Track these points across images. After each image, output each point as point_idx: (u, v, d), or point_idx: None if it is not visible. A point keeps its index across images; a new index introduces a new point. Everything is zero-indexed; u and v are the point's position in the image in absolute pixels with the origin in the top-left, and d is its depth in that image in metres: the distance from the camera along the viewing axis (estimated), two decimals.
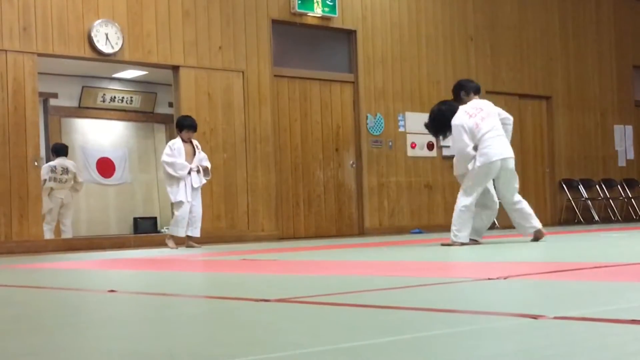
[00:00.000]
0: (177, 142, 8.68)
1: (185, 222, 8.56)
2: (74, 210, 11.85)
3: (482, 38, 13.09)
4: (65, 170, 10.99)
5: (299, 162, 11.14)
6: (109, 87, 13.61)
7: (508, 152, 6.54)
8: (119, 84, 13.69)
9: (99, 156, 13.79)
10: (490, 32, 13.21)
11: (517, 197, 6.62)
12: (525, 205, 6.61)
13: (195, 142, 8.81)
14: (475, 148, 6.47)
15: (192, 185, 8.59)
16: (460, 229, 6.42)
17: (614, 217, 14.40)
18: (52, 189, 10.77)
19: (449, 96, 7.20)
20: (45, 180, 10.43)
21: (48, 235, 10.51)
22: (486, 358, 1.55)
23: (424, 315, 2.24)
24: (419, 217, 12.08)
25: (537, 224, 6.59)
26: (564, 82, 14.15)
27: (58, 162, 11.01)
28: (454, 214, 6.48)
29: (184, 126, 8.73)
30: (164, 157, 8.61)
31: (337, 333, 1.95)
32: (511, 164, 6.55)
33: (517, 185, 6.64)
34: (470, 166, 6.50)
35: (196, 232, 8.67)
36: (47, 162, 11.25)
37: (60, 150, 11.25)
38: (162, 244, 9.90)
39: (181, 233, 8.58)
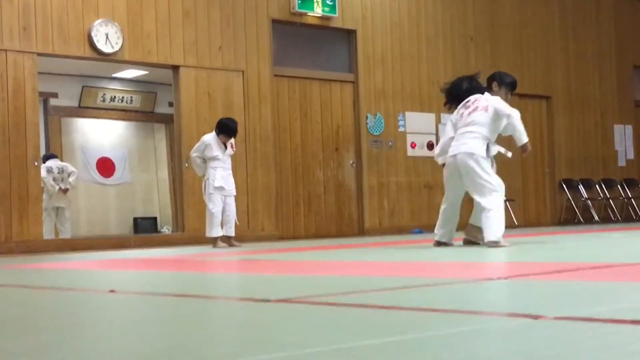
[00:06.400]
0: (212, 139, 8.53)
1: (219, 220, 8.50)
2: (72, 211, 11.88)
3: (482, 38, 13.08)
4: (61, 170, 11.14)
5: (299, 162, 11.13)
6: (109, 87, 13.61)
7: (460, 149, 6.08)
8: (119, 83, 13.69)
9: (99, 156, 13.80)
10: (490, 32, 13.21)
11: (485, 200, 5.92)
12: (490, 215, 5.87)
13: (231, 141, 8.65)
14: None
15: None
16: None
17: (614, 217, 14.39)
18: (49, 189, 10.87)
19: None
20: (44, 181, 10.48)
21: (48, 234, 10.56)
22: (486, 358, 1.55)
23: (424, 315, 2.24)
24: (419, 217, 12.07)
25: (491, 236, 5.81)
26: (564, 82, 14.14)
27: (52, 162, 11.13)
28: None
29: (229, 131, 8.50)
30: (193, 152, 8.59)
31: (337, 333, 1.95)
32: (464, 161, 6.01)
33: (484, 185, 5.96)
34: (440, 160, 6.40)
35: (231, 232, 8.62)
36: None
37: (49, 157, 11.30)
38: (161, 244, 9.92)
39: (215, 233, 8.49)
